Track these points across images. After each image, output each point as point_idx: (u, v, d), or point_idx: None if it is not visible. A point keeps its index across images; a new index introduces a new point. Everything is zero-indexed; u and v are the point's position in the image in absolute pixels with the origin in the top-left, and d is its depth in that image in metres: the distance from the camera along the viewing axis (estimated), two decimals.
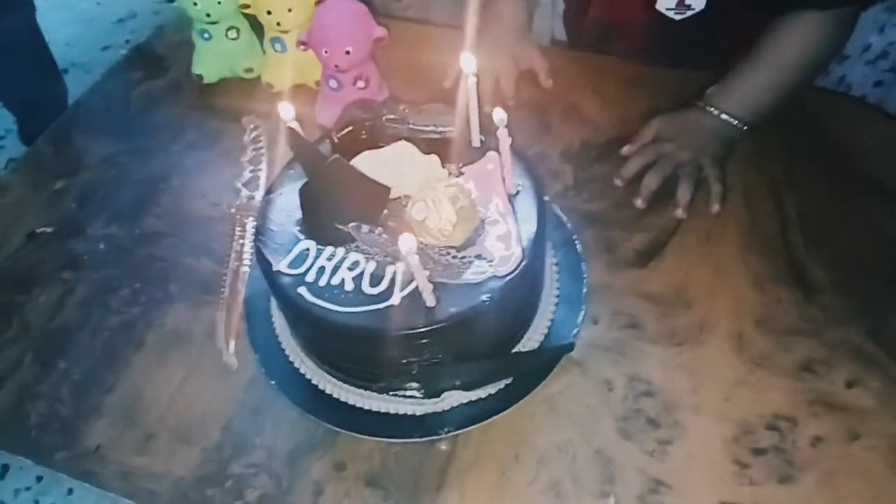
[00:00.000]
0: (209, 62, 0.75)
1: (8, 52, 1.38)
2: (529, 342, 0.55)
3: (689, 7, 0.72)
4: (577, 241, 0.61)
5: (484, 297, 0.48)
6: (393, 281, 0.48)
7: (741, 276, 0.59)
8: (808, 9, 0.64)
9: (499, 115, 0.49)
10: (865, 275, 0.58)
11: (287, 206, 0.54)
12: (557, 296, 0.58)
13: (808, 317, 0.56)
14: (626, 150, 0.67)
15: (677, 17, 0.73)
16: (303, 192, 0.51)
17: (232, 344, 0.58)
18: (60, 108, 1.35)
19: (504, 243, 0.50)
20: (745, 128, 0.66)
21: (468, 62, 0.51)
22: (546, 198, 0.54)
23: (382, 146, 0.54)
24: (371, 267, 0.49)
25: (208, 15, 0.71)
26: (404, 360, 0.50)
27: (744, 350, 0.55)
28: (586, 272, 0.59)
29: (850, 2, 0.65)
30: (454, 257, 0.50)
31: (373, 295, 0.48)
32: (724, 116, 0.65)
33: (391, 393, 0.53)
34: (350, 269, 0.50)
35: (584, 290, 0.58)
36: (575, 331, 0.56)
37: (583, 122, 0.72)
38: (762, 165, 0.66)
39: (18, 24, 1.39)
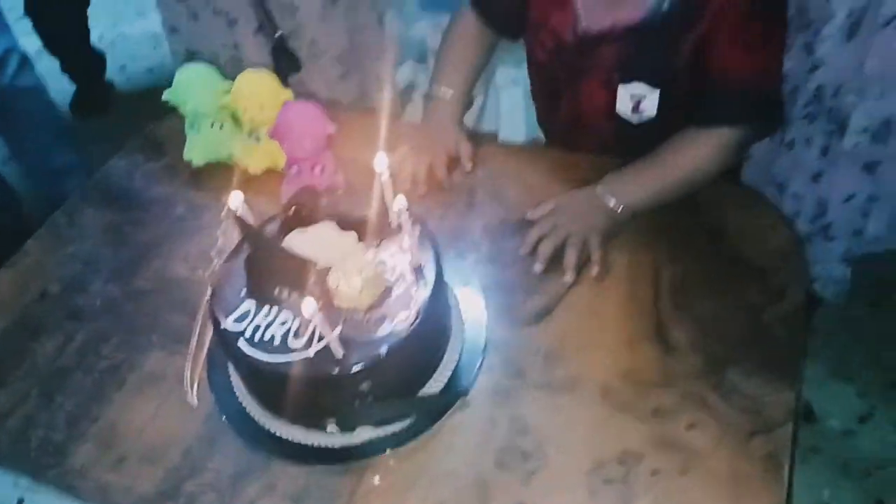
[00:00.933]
0: (197, 149, 0.90)
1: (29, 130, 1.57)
2: (435, 384, 0.67)
3: (643, 113, 0.85)
4: (484, 302, 0.73)
5: (382, 350, 0.60)
6: (312, 335, 0.61)
7: (616, 336, 0.70)
8: (725, 123, 0.78)
9: (399, 203, 0.63)
10: (718, 339, 0.69)
11: (237, 274, 0.67)
12: (461, 348, 0.70)
13: (667, 371, 0.67)
14: (528, 214, 0.80)
15: (635, 121, 0.86)
16: (247, 263, 0.65)
17: (195, 386, 0.71)
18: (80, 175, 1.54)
19: (405, 306, 0.63)
20: (626, 212, 0.78)
21: (381, 161, 0.65)
22: (443, 268, 0.67)
23: (314, 225, 0.67)
24: (296, 324, 0.62)
25: (197, 112, 0.86)
26: (322, 401, 0.63)
27: (609, 398, 0.66)
28: (488, 328, 0.71)
29: (756, 120, 0.78)
30: (363, 317, 0.62)
31: (296, 347, 0.61)
32: (611, 203, 0.78)
33: (314, 428, 0.65)
34: (281, 325, 0.63)
35: (484, 344, 0.70)
36: (472, 377, 0.68)
37: (504, 203, 0.85)
38: (647, 243, 0.78)
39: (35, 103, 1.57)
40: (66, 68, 2.05)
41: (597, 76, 0.84)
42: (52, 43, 1.98)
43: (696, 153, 0.79)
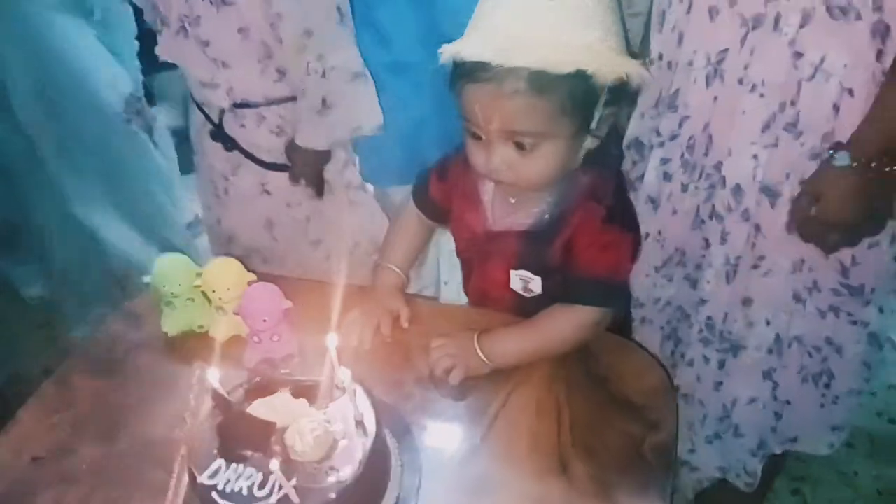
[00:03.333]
0: (172, 321, 1.06)
1: None
2: None
3: (531, 291, 1.06)
4: (418, 445, 0.88)
5: (332, 496, 0.74)
6: (273, 486, 0.75)
7: (526, 470, 0.86)
8: (584, 304, 0.98)
9: (344, 373, 0.79)
10: (608, 467, 0.85)
11: (209, 435, 0.81)
12: (399, 488, 0.84)
13: (569, 499, 0.82)
14: (432, 344, 0.98)
15: (526, 295, 1.06)
16: (218, 427, 0.79)
17: None
18: None
19: (350, 456, 0.78)
20: (490, 365, 0.97)
21: (332, 341, 0.81)
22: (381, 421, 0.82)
23: (273, 393, 0.83)
24: (260, 477, 0.76)
25: (173, 293, 1.03)
26: None
27: None
28: (422, 470, 0.86)
29: (610, 304, 0.99)
30: (315, 468, 0.77)
31: (260, 497, 0.75)
32: (481, 356, 0.96)
33: None
34: (247, 479, 0.76)
35: (419, 484, 0.85)
36: None
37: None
38: (551, 388, 0.95)
39: None
40: None
41: (498, 262, 1.05)
42: None
43: (560, 325, 0.99)
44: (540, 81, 0.85)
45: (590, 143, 0.95)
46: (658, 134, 1.15)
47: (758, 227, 1.08)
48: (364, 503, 0.80)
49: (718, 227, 1.12)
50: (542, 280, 1.02)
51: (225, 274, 1.02)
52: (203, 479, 0.77)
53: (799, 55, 0.96)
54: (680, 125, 1.11)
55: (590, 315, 0.99)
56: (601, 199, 0.98)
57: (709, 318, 1.19)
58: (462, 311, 1.12)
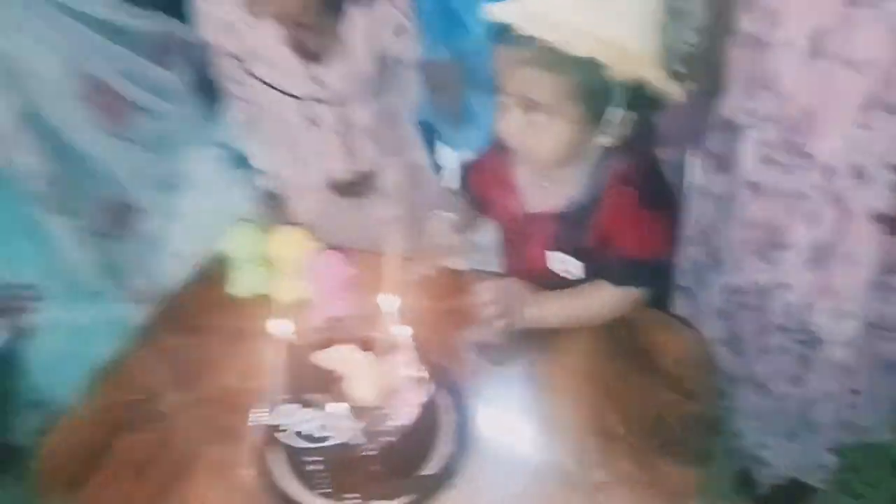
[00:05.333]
0: (243, 284, 1.15)
1: None
2: (431, 467, 0.88)
3: (572, 273, 1.09)
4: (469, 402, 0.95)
5: (388, 439, 0.82)
6: (335, 428, 0.83)
7: (568, 428, 0.92)
8: (619, 285, 1.03)
9: (404, 332, 0.86)
10: (645, 431, 0.91)
11: (281, 381, 0.89)
12: (451, 440, 0.91)
13: (605, 456, 0.89)
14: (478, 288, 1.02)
15: (569, 277, 1.10)
16: (289, 375, 0.88)
17: (248, 469, 0.91)
18: None
19: (405, 407, 0.85)
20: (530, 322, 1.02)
21: (389, 302, 0.89)
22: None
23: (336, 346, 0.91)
24: (324, 419, 0.84)
25: (241, 257, 1.12)
26: (345, 478, 0.84)
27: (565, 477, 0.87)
28: (473, 424, 0.93)
29: (644, 285, 1.04)
30: (373, 413, 0.84)
31: (324, 437, 0.82)
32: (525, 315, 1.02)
33: (339, 500, 0.85)
34: (313, 421, 0.84)
35: (468, 437, 0.91)
36: (459, 463, 0.89)
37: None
38: (596, 358, 1.01)
39: None
40: None
41: (535, 244, 1.09)
42: None
43: (597, 300, 1.05)
44: (554, 57, 0.89)
45: (604, 139, 0.96)
46: (753, 115, 1.13)
47: (845, 212, 1.08)
48: (419, 447, 0.87)
49: (808, 208, 1.12)
50: (582, 262, 1.07)
51: (290, 242, 1.10)
52: (274, 420, 0.85)
53: None
54: (779, 106, 1.10)
55: (625, 295, 1.04)
56: (634, 184, 1.01)
57: (789, 304, 1.20)
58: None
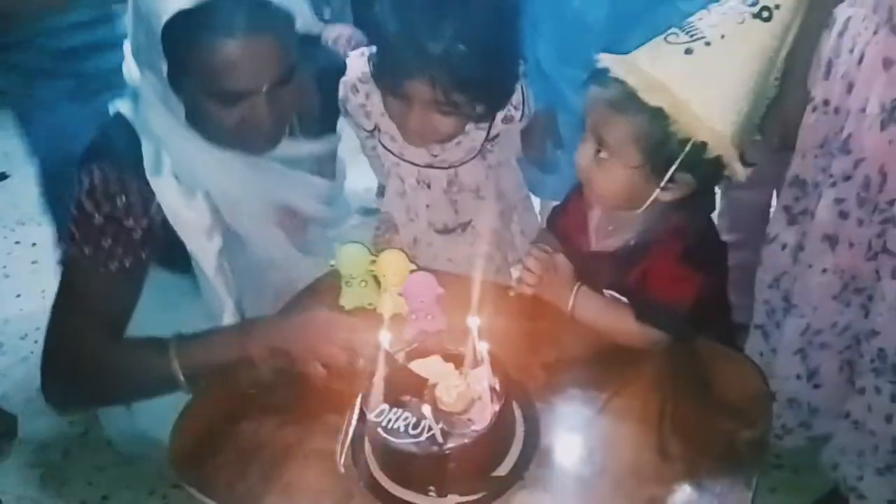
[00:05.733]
0: (350, 298, 1.30)
1: None
2: (503, 468, 1.00)
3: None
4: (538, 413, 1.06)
5: (468, 441, 0.94)
6: (423, 427, 0.96)
7: (629, 446, 1.01)
8: (643, 322, 1.12)
9: (483, 347, 0.99)
10: (702, 453, 0.99)
11: (379, 384, 1.04)
12: (521, 444, 1.03)
13: (662, 473, 0.97)
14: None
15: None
16: (385, 378, 1.02)
17: (342, 458, 1.06)
18: None
19: (483, 414, 0.97)
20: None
21: (472, 321, 1.02)
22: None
23: (427, 357, 1.05)
24: (414, 419, 0.98)
25: (351, 275, 1.28)
26: (427, 472, 0.97)
27: (621, 488, 0.97)
28: (542, 432, 1.04)
29: (665, 329, 1.12)
30: (456, 418, 0.97)
31: (414, 434, 0.96)
32: (570, 304, 1.16)
33: (421, 492, 0.98)
34: (404, 420, 0.98)
35: (538, 443, 1.03)
36: (527, 465, 1.00)
37: (560, 343, 1.19)
38: (660, 385, 1.09)
39: None
40: None
41: (594, 280, 1.19)
42: None
43: (631, 326, 1.13)
44: (627, 102, 1.00)
45: (662, 194, 1.06)
46: (830, 175, 1.24)
47: None
48: (492, 451, 0.99)
49: (891, 261, 1.20)
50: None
51: (393, 262, 1.25)
52: (371, 417, 1.00)
53: None
54: (855, 166, 1.21)
55: (645, 331, 1.12)
56: (682, 238, 1.10)
57: (881, 349, 1.26)
58: None
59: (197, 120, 1.18)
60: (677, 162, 1.01)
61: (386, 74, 1.25)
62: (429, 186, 1.52)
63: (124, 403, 1.45)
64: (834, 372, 1.40)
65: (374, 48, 1.29)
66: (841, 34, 1.22)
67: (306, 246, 1.46)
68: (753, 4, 1.00)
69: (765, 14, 0.99)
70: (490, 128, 1.42)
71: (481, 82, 1.19)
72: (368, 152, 1.57)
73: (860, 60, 1.15)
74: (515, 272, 1.35)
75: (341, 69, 1.43)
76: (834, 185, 1.24)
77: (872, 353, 1.27)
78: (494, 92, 1.27)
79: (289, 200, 1.37)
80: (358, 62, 1.38)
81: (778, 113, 1.38)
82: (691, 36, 1.00)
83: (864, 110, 1.16)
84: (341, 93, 1.44)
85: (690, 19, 1.04)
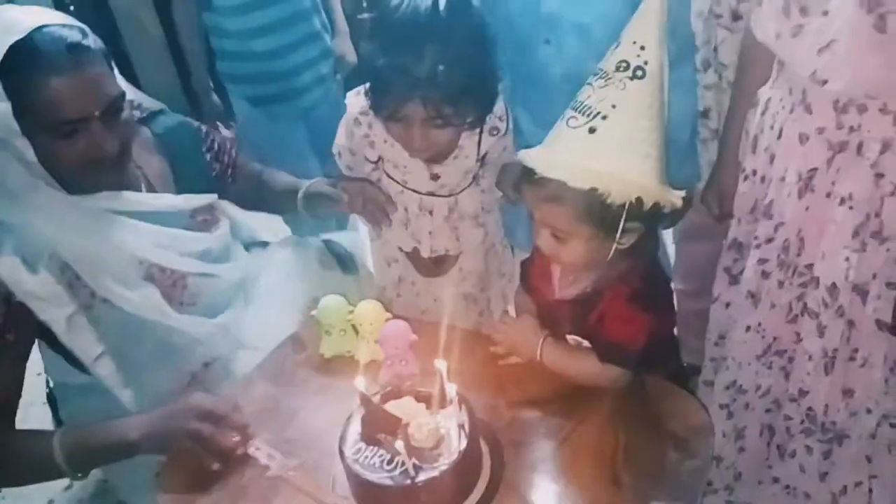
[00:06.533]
0: (329, 345, 1.40)
1: None
2: (472, 499, 1.09)
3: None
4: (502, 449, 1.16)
5: (438, 473, 1.04)
6: (397, 462, 1.06)
7: (586, 477, 1.11)
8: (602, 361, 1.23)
9: (451, 388, 1.09)
10: (650, 481, 1.09)
11: (356, 424, 1.13)
12: (488, 477, 1.12)
13: (615, 501, 1.07)
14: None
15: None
16: (362, 418, 1.11)
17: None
18: None
19: (452, 449, 1.07)
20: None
21: (442, 365, 1.12)
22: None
23: (401, 398, 1.14)
24: (388, 456, 1.07)
25: (331, 324, 1.39)
26: (402, 503, 1.06)
27: None
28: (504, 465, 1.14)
29: (623, 366, 1.23)
30: (427, 453, 1.07)
31: (388, 468, 1.05)
32: (538, 352, 1.27)
33: None
34: (379, 456, 1.07)
35: (501, 475, 1.12)
36: (493, 498, 1.09)
37: (525, 390, 1.29)
38: (613, 421, 1.19)
39: None
40: None
41: (557, 325, 1.32)
42: None
43: (593, 368, 1.24)
44: (563, 192, 1.12)
45: (618, 245, 1.17)
46: (756, 237, 1.37)
47: (851, 323, 1.25)
48: (461, 483, 1.09)
49: (812, 322, 1.30)
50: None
51: (370, 312, 1.36)
52: (349, 454, 1.09)
53: (881, 175, 1.16)
54: (775, 230, 1.33)
55: (609, 370, 1.23)
56: (630, 282, 1.22)
57: (809, 409, 1.33)
58: None
59: (46, 158, 1.24)
60: (623, 220, 1.14)
61: (383, 104, 1.37)
62: (431, 213, 1.63)
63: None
64: (756, 436, 1.47)
65: (367, 84, 1.43)
66: (763, 112, 1.36)
67: (194, 300, 1.49)
68: (626, 69, 1.08)
69: (639, 73, 1.07)
70: (480, 140, 1.54)
71: (465, 93, 1.33)
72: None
73: (780, 135, 1.29)
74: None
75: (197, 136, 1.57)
76: (758, 246, 1.35)
77: (801, 413, 1.34)
78: (479, 100, 1.40)
79: (150, 256, 1.39)
80: (356, 100, 1.52)
81: (717, 185, 1.55)
82: (588, 115, 1.09)
83: (783, 179, 1.27)
84: (339, 133, 1.59)
85: (580, 98, 1.12)
